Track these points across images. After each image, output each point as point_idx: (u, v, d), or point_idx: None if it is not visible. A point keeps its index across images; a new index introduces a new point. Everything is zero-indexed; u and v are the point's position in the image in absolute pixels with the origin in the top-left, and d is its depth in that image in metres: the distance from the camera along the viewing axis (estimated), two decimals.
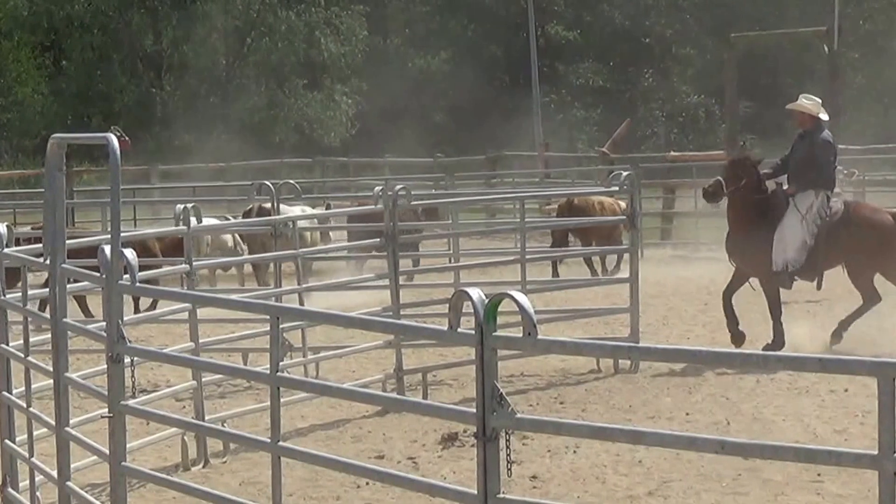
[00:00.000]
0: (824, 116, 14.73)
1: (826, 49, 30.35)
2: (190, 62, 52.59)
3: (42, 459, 8.91)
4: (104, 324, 7.80)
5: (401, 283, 13.52)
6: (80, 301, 17.60)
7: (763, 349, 14.26)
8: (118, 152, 7.57)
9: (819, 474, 9.66)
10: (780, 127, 51.50)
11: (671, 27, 57.32)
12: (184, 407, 12.18)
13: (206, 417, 10.95)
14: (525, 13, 45.34)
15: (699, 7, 56.75)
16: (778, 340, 14.45)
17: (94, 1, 51.35)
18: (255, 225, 16.37)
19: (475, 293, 5.53)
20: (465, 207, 23.67)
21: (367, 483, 9.69)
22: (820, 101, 14.95)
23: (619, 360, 13.98)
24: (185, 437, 10.63)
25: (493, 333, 5.52)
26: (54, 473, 8.26)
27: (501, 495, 5.54)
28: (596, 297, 18.16)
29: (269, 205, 17.00)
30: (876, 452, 4.77)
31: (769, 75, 51.13)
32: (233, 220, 19.27)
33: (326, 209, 21.13)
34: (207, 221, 14.05)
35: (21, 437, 9.05)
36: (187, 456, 10.69)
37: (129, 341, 7.56)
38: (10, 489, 9.15)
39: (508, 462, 5.58)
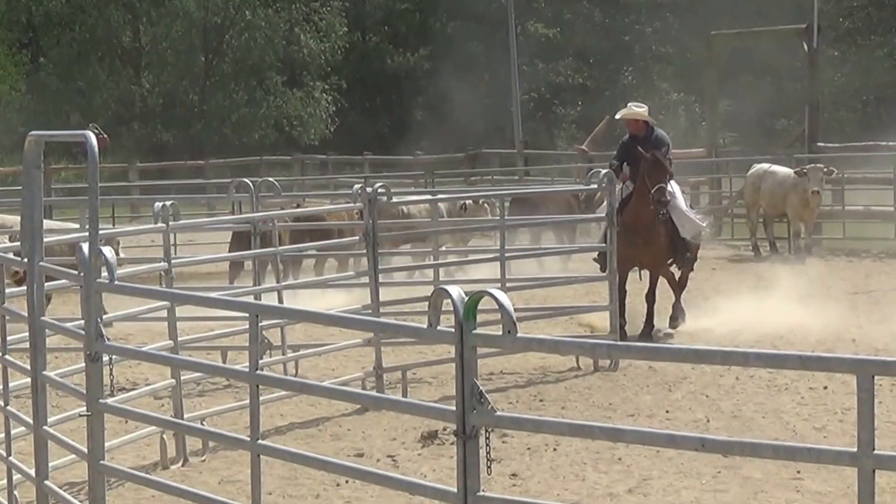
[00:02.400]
0: (652, 120, 16.30)
1: (805, 47, 30.36)
2: (169, 59, 52.47)
3: (20, 458, 8.88)
4: (82, 321, 7.77)
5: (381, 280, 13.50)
6: None
7: (639, 336, 15.30)
8: (96, 150, 7.55)
9: (798, 471, 9.67)
10: (760, 125, 51.72)
11: (651, 25, 57.39)
12: (162, 405, 12.15)
13: (185, 416, 10.92)
14: (505, 10, 45.31)
15: (679, 5, 56.81)
16: (649, 324, 15.54)
17: None
18: (236, 223, 16.29)
19: (455, 291, 5.52)
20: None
21: (347, 481, 9.67)
22: (646, 106, 16.44)
23: (599, 358, 13.98)
24: (164, 436, 10.60)
25: (473, 331, 5.51)
26: (32, 472, 8.22)
27: (481, 493, 5.53)
28: (576, 295, 18.18)
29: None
30: (855, 450, 4.78)
31: (749, 73, 51.21)
32: (211, 219, 19.18)
33: None
34: None
35: None
36: (166, 454, 10.66)
37: (108, 339, 7.53)
38: None
39: (488, 460, 5.58)
